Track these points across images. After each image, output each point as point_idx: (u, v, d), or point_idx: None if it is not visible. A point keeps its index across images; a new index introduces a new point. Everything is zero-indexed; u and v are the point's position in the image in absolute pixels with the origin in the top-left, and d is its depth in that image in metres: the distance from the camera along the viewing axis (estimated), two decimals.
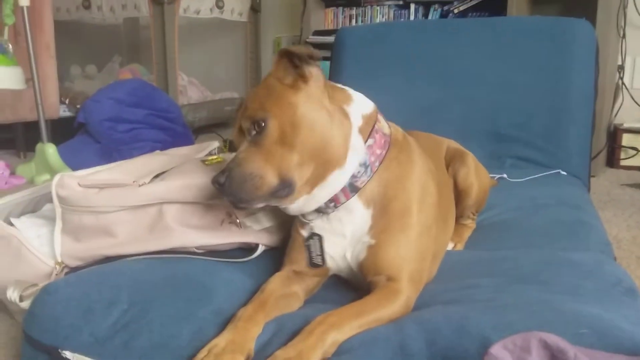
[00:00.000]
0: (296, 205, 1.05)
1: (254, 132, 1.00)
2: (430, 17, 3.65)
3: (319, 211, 1.08)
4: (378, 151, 1.06)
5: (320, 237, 1.10)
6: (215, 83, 4.63)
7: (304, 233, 1.12)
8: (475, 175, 1.46)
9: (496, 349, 0.65)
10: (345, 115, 1.05)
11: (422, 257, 1.09)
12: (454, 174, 1.45)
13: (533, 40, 2.30)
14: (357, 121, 1.06)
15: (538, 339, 0.65)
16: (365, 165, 1.05)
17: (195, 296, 1.05)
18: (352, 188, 1.05)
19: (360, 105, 1.08)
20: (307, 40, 3.97)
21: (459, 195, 1.45)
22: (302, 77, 1.02)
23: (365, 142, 1.06)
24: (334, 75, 2.46)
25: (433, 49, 2.39)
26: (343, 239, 1.09)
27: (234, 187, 0.98)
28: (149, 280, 1.08)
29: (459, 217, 1.48)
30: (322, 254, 1.11)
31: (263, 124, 0.98)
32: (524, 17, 3.15)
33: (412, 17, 3.73)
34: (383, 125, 1.11)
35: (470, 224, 1.51)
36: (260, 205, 1.03)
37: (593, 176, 2.62)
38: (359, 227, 1.08)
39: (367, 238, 1.07)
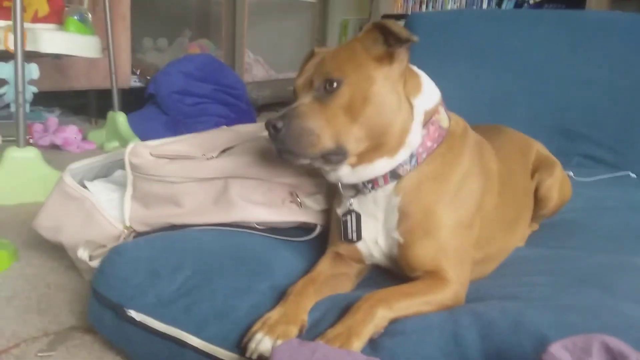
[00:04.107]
0: (337, 174, 1.04)
1: (323, 90, 0.98)
2: (503, 6, 3.56)
3: (357, 189, 1.08)
4: (429, 144, 1.04)
5: (357, 215, 1.09)
6: (280, 63, 4.67)
7: (341, 210, 1.12)
8: (559, 189, 1.42)
9: (556, 348, 0.64)
10: (411, 108, 1.03)
11: (458, 256, 1.05)
12: (539, 182, 1.41)
13: (611, 37, 2.21)
14: (418, 117, 1.04)
15: (600, 341, 0.64)
16: (412, 155, 1.03)
17: (256, 270, 1.08)
18: (393, 174, 1.04)
19: (426, 98, 1.06)
20: None
21: (537, 203, 1.42)
22: (390, 55, 1.00)
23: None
24: None
25: (505, 40, 2.33)
26: (376, 221, 1.08)
27: (289, 137, 0.96)
28: (213, 251, 1.12)
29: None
30: (357, 231, 1.09)
31: (335, 85, 0.97)
32: (602, 12, 3.04)
33: (484, 6, 3.64)
34: (442, 117, 1.08)
35: (534, 225, 1.49)
36: (305, 162, 1.00)
37: None
38: (391, 214, 1.06)
39: (396, 234, 1.06)
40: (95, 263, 1.20)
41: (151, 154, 1.27)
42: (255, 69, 4.36)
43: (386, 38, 0.99)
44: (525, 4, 3.44)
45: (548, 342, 0.71)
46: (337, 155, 0.99)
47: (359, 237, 1.10)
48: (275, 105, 4.26)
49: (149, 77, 3.66)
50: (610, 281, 1.09)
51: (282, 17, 4.78)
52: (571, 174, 1.87)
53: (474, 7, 3.69)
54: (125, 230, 1.30)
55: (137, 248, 1.13)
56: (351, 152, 0.99)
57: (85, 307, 1.26)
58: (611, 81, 2.15)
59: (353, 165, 1.03)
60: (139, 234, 1.30)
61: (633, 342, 0.74)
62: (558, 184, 1.42)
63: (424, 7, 3.93)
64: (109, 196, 1.39)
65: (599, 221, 1.53)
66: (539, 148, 1.50)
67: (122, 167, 1.35)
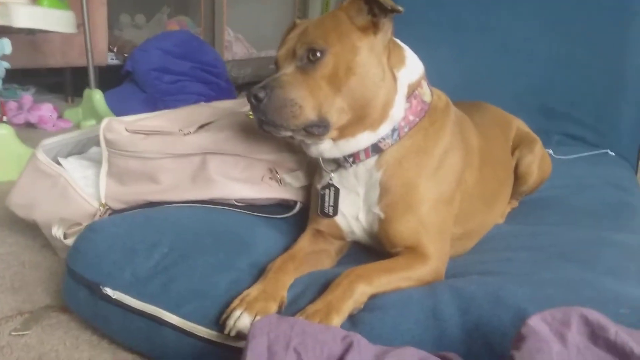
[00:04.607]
0: (318, 148, 1.03)
1: (306, 60, 0.97)
2: None
3: (337, 163, 1.07)
4: (411, 117, 1.04)
5: (336, 189, 1.08)
6: (261, 40, 4.60)
7: (321, 185, 1.11)
8: (539, 165, 1.43)
9: (534, 321, 0.64)
10: (394, 80, 1.02)
11: (438, 231, 1.05)
12: (519, 158, 1.42)
13: (593, 15, 2.21)
14: (402, 89, 1.03)
15: (579, 314, 0.64)
16: (394, 129, 1.03)
17: (234, 248, 1.06)
18: (375, 148, 1.03)
19: (409, 71, 1.05)
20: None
21: (517, 179, 1.42)
22: (374, 26, 0.98)
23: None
24: None
25: (487, 18, 2.32)
26: (357, 197, 1.08)
27: (271, 107, 0.94)
28: (190, 228, 1.10)
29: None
30: (334, 206, 1.09)
31: (319, 55, 0.95)
32: None
33: None
34: (424, 91, 1.07)
35: (513, 202, 1.49)
36: (287, 134, 0.99)
37: None
38: (372, 189, 1.06)
39: (377, 209, 1.05)
40: (70, 241, 1.18)
41: (126, 130, 1.24)
42: (235, 47, 4.29)
43: (371, 7, 0.97)
44: None
45: (527, 315, 0.71)
46: (319, 127, 0.97)
47: (336, 212, 1.09)
48: (256, 84, 4.21)
49: (126, 55, 3.57)
50: (589, 256, 1.10)
51: None
52: (551, 152, 1.88)
53: None
54: (101, 208, 1.28)
55: (113, 225, 1.11)
56: (333, 124, 0.98)
57: (61, 286, 1.24)
58: (590, 60, 2.15)
59: (335, 139, 1.02)
60: (115, 212, 1.27)
61: (611, 315, 0.74)
62: (538, 160, 1.43)
63: None
64: (83, 173, 1.36)
65: (578, 198, 1.54)
66: (519, 125, 1.50)
67: (97, 143, 1.31)
